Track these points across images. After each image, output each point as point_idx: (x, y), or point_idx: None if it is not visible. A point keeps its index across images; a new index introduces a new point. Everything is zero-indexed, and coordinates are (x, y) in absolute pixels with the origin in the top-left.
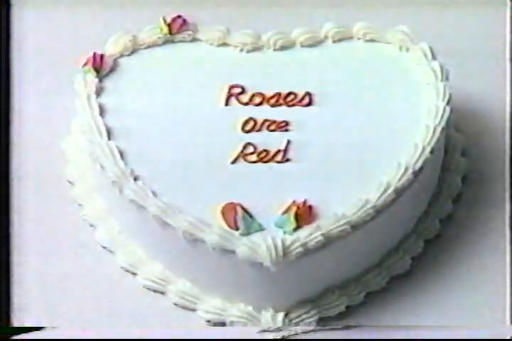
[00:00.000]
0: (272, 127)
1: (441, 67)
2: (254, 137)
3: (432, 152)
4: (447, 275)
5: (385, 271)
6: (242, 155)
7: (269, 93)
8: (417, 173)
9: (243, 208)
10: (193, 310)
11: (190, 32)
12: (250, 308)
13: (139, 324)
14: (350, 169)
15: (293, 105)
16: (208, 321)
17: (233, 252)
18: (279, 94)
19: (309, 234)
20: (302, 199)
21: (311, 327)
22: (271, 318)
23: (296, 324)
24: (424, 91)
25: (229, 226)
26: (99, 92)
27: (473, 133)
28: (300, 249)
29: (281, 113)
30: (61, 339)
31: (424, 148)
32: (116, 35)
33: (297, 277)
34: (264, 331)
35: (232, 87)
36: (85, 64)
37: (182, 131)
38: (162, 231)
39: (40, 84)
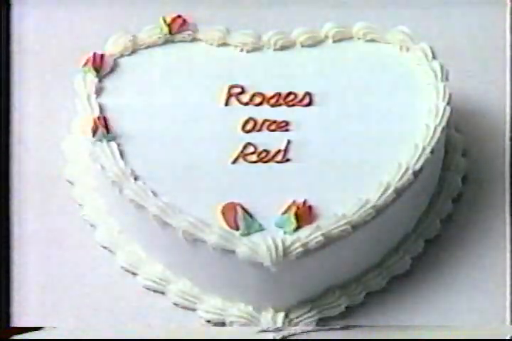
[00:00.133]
0: (272, 127)
1: (442, 67)
2: (254, 137)
3: (432, 152)
4: (447, 275)
5: (385, 271)
6: (242, 155)
7: (269, 93)
8: (417, 173)
9: (243, 208)
10: (193, 310)
11: (190, 32)
12: (250, 308)
13: (139, 324)
14: (350, 169)
15: (293, 105)
16: (208, 321)
17: (233, 252)
18: (279, 94)
19: (309, 234)
20: (302, 200)
21: (311, 327)
22: (271, 318)
23: (296, 324)
24: (424, 91)
25: (229, 226)
26: (99, 92)
27: (473, 134)
28: (300, 249)
29: (281, 113)
30: (61, 339)
31: (424, 148)
32: (116, 35)
33: (297, 277)
34: (264, 331)
35: (232, 87)
36: (85, 64)
37: (182, 131)
38: (162, 231)
39: (40, 84)
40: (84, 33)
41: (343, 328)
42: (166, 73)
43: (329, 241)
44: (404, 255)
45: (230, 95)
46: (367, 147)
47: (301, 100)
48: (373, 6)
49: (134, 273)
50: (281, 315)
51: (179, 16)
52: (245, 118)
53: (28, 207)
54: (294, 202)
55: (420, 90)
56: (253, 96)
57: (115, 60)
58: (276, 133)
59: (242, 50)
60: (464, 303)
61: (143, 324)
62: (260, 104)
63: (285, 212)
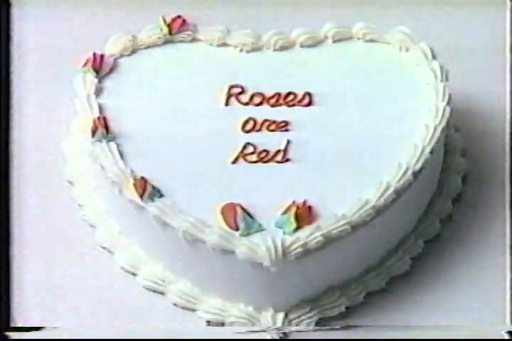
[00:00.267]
0: (272, 127)
1: (441, 67)
2: (254, 137)
3: (432, 152)
4: (447, 275)
5: (385, 271)
6: (242, 155)
7: (269, 93)
8: (417, 173)
9: (243, 208)
10: (193, 310)
11: (190, 32)
12: (250, 308)
13: (139, 324)
14: (350, 169)
15: (293, 105)
16: (208, 322)
17: (233, 252)
18: (279, 94)
19: (309, 235)
20: (302, 200)
21: (311, 327)
22: (271, 318)
23: (296, 324)
24: (424, 91)
25: (229, 226)
26: (98, 92)
27: (473, 134)
28: (300, 250)
29: (281, 113)
30: (61, 339)
31: (424, 149)
32: (116, 35)
33: (297, 277)
34: (264, 331)
35: (232, 87)
36: (85, 64)
37: (182, 131)
38: (162, 231)
39: (40, 84)
40: (84, 33)
41: (343, 328)
42: (165, 73)
43: (329, 241)
44: (404, 255)
45: (230, 95)
46: (367, 147)
47: (301, 100)
48: (373, 6)
49: (133, 274)
50: (281, 315)
51: (179, 16)
52: (245, 118)
53: (28, 207)
54: (293, 202)
55: (420, 90)
56: (253, 96)
57: (115, 60)
58: (276, 133)
59: (241, 51)
60: (463, 303)
61: (143, 324)
62: (260, 104)
63: (285, 212)
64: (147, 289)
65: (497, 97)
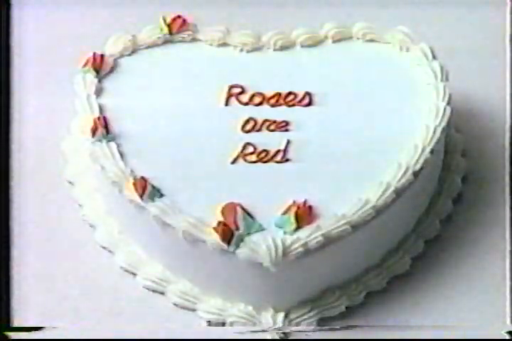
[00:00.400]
0: (272, 127)
1: (442, 68)
2: (254, 137)
3: (432, 152)
4: (447, 275)
5: (385, 271)
6: (242, 155)
7: (269, 93)
8: (417, 173)
9: (243, 208)
10: (193, 310)
11: (190, 32)
12: (250, 308)
13: (139, 324)
14: (350, 169)
15: (293, 105)
16: (208, 322)
17: (233, 252)
18: (279, 94)
19: (309, 235)
20: (302, 200)
21: (311, 328)
22: (271, 318)
23: (297, 324)
24: (424, 91)
25: (229, 226)
26: (98, 92)
27: (473, 134)
28: (300, 249)
29: (281, 113)
30: (61, 339)
31: (424, 149)
32: (116, 35)
33: (297, 277)
34: (264, 331)
35: (232, 87)
36: (85, 64)
37: (182, 131)
38: (162, 231)
39: (40, 84)
40: (84, 34)
41: (343, 328)
42: (165, 73)
43: (329, 241)
44: (404, 255)
45: (230, 95)
46: (367, 147)
47: (301, 100)
48: (373, 6)
49: (133, 274)
50: (281, 315)
51: (179, 16)
52: (245, 118)
53: (28, 207)
54: (294, 202)
55: (420, 90)
56: (253, 96)
57: (115, 60)
58: (276, 133)
59: (242, 50)
60: (463, 303)
61: (143, 324)
62: (260, 104)
63: (285, 212)
64: (147, 289)
65: (497, 97)
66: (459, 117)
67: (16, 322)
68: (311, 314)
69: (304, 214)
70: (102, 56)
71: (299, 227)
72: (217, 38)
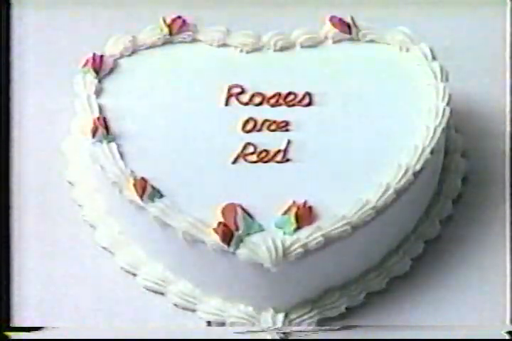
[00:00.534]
0: (272, 127)
1: (441, 68)
2: (254, 137)
3: (432, 153)
4: (447, 275)
5: (385, 271)
6: (243, 155)
7: (269, 93)
8: (417, 174)
9: (243, 208)
10: (193, 310)
11: (190, 32)
12: (250, 309)
13: (139, 324)
14: (351, 170)
15: (293, 105)
16: (208, 322)
17: (233, 253)
18: (279, 94)
19: (309, 235)
20: (302, 200)
21: (311, 328)
22: (271, 319)
23: (297, 324)
24: (424, 91)
25: (229, 226)
26: (98, 93)
27: (473, 134)
28: (300, 250)
29: (281, 113)
30: (61, 339)
31: (424, 149)
32: (116, 36)
33: (297, 278)
34: (264, 331)
35: (232, 87)
36: (85, 64)
37: (182, 132)
38: (162, 231)
39: (40, 84)
40: (84, 34)
41: (343, 328)
42: (165, 74)
43: (329, 241)
44: (404, 256)
45: (230, 95)
46: (367, 147)
47: (301, 100)
48: (373, 6)
49: (133, 274)
50: (281, 316)
51: (179, 17)
52: (245, 118)
53: (29, 208)
54: (294, 202)
55: (420, 91)
56: (253, 96)
57: (115, 60)
58: (276, 133)
59: (242, 51)
60: (464, 303)
61: (143, 324)
62: (260, 104)
63: (285, 212)
64: (147, 289)
65: (497, 98)
66: (459, 117)
67: (16, 322)
68: (311, 314)
69: (304, 215)
70: (101, 56)
71: (298, 228)
72: (217, 39)
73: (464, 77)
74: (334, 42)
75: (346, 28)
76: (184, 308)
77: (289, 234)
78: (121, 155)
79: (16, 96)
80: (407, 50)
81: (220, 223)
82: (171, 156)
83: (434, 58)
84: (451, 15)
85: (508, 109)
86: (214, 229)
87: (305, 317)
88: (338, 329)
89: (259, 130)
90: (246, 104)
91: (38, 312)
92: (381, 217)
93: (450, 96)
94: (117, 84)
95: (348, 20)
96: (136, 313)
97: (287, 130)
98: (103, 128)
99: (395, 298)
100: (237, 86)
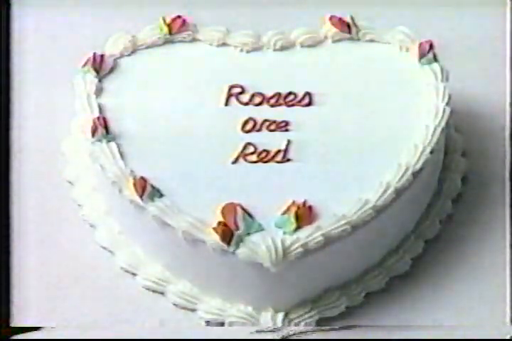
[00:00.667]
0: (272, 127)
1: (441, 68)
2: (254, 137)
3: (431, 152)
4: (447, 275)
5: (385, 271)
6: (243, 155)
7: (269, 93)
8: (417, 174)
9: (243, 208)
10: (193, 310)
11: (189, 32)
12: (250, 309)
13: (139, 324)
14: (350, 169)
15: (293, 105)
16: (208, 322)
17: (233, 253)
18: (279, 94)
19: (309, 235)
20: (302, 200)
21: (310, 328)
22: (271, 318)
23: (296, 324)
24: (424, 91)
25: (229, 226)
26: (98, 92)
27: (473, 134)
28: (300, 250)
29: (281, 113)
30: (61, 339)
31: (424, 149)
32: (116, 36)
33: (297, 277)
34: (264, 331)
35: (232, 87)
36: (85, 64)
37: (182, 131)
38: (162, 231)
39: (40, 84)
40: (84, 33)
41: (343, 328)
42: (165, 73)
43: (329, 241)
44: (404, 255)
45: (230, 95)
46: (367, 147)
47: (301, 100)
48: (373, 6)
49: (133, 274)
50: (281, 315)
51: (179, 16)
52: (245, 118)
53: (28, 207)
54: (293, 202)
55: (420, 90)
56: (253, 96)
57: (115, 60)
58: (276, 133)
59: (241, 51)
60: (463, 303)
61: (143, 324)
62: (260, 104)
63: (285, 212)
64: (147, 289)
65: (497, 98)
66: (458, 117)
67: (16, 322)
68: (311, 314)
69: (304, 214)
70: (102, 56)
71: (298, 227)
72: (217, 38)
73: (464, 77)
74: (334, 41)
75: (346, 27)
76: (184, 308)
77: (289, 233)
78: (121, 154)
79: (16, 96)
80: (407, 49)
81: (219, 223)
82: (170, 156)
83: (434, 58)
84: (451, 15)
85: (508, 109)
86: (214, 228)
87: (305, 316)
88: (338, 329)
89: (259, 130)
90: (246, 104)
91: (38, 312)
92: (381, 216)
93: (450, 96)
94: (117, 84)
95: (348, 19)
96: (136, 313)
97: (287, 130)
98: (103, 128)
99: (395, 297)
100: (237, 86)
